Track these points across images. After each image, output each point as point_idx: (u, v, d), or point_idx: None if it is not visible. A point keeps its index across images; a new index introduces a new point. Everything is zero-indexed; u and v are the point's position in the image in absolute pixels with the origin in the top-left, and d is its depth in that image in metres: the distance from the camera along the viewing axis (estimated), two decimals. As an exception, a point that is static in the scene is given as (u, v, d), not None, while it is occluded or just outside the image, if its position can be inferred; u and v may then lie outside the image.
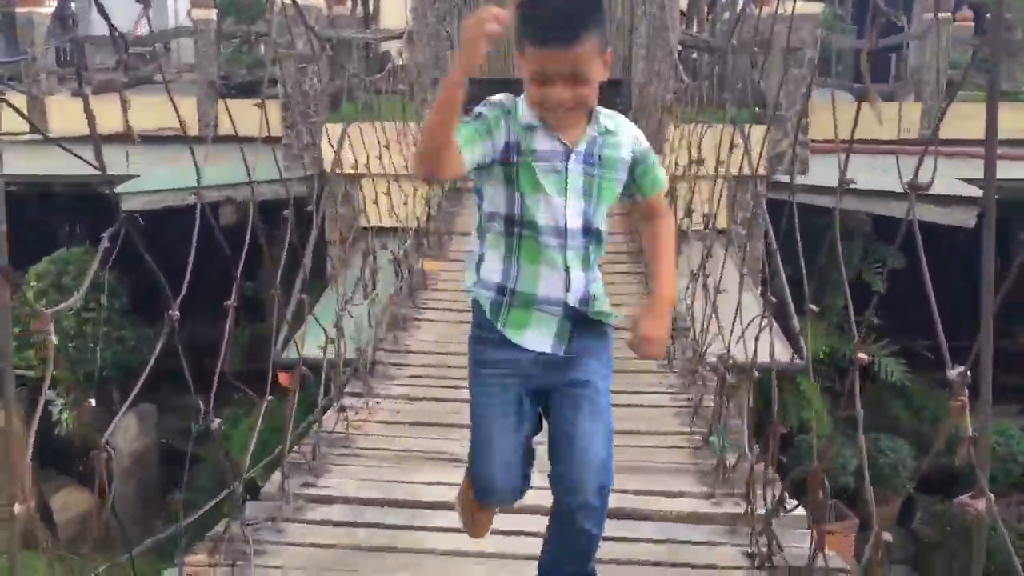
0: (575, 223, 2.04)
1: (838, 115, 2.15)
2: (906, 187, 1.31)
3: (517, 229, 2.05)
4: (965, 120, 4.04)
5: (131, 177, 6.87)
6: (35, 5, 9.05)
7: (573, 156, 2.03)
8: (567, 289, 2.07)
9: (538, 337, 2.10)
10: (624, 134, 2.11)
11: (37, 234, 8.10)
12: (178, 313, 1.86)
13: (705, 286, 3.82)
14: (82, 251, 7.98)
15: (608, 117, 2.10)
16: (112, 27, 0.97)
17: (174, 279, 1.96)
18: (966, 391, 1.22)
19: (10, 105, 0.77)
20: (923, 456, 7.06)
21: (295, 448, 3.10)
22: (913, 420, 7.77)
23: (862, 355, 1.85)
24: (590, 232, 2.07)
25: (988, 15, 10.13)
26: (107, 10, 1.33)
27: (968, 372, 1.22)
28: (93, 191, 6.41)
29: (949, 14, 9.04)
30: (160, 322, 1.89)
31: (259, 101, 2.46)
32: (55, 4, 9.81)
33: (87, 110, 0.95)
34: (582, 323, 2.12)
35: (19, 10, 9.03)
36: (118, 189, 6.52)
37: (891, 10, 1.57)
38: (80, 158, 1.29)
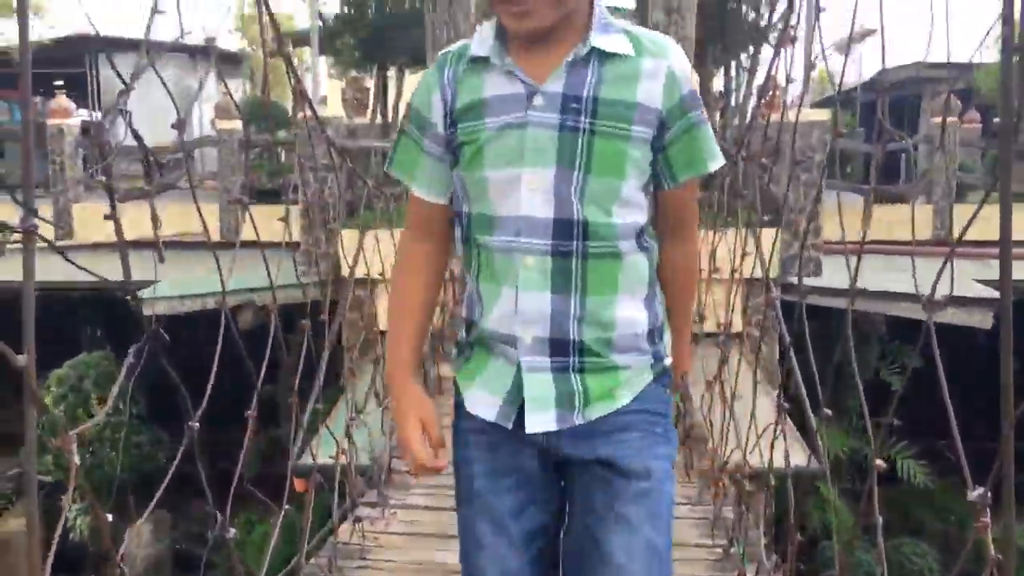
0: (536, 209, 1.29)
1: (850, 217, 2.18)
2: (924, 305, 1.32)
3: (469, 229, 1.39)
4: (981, 221, 4.09)
5: (152, 282, 7.00)
6: (64, 117, 9.38)
7: (539, 99, 1.28)
8: (516, 315, 1.34)
9: (486, 397, 1.41)
10: (648, 59, 1.29)
11: (59, 337, 8.20)
12: (197, 425, 1.88)
13: (722, 392, 3.81)
14: (102, 355, 8.06)
15: (615, 30, 1.30)
16: (145, 149, 1.03)
17: (191, 382, 1.98)
18: (988, 512, 1.21)
19: (43, 239, 0.81)
20: (950, 560, 6.88)
21: (311, 559, 3.07)
22: (938, 522, 7.61)
23: (880, 462, 1.83)
24: (575, 226, 1.29)
25: (996, 118, 10.32)
26: (134, 116, 1.39)
27: (989, 493, 1.21)
28: (114, 296, 6.52)
29: (956, 118, 9.22)
30: (175, 426, 1.91)
31: (279, 208, 2.54)
32: (83, 114, 10.16)
33: (117, 231, 0.99)
34: (599, 373, 1.36)
35: (50, 122, 9.35)
36: (140, 294, 6.63)
37: (896, 130, 1.61)
38: (86, 270, 1.31)
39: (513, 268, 1.32)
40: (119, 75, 1.12)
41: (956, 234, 8.56)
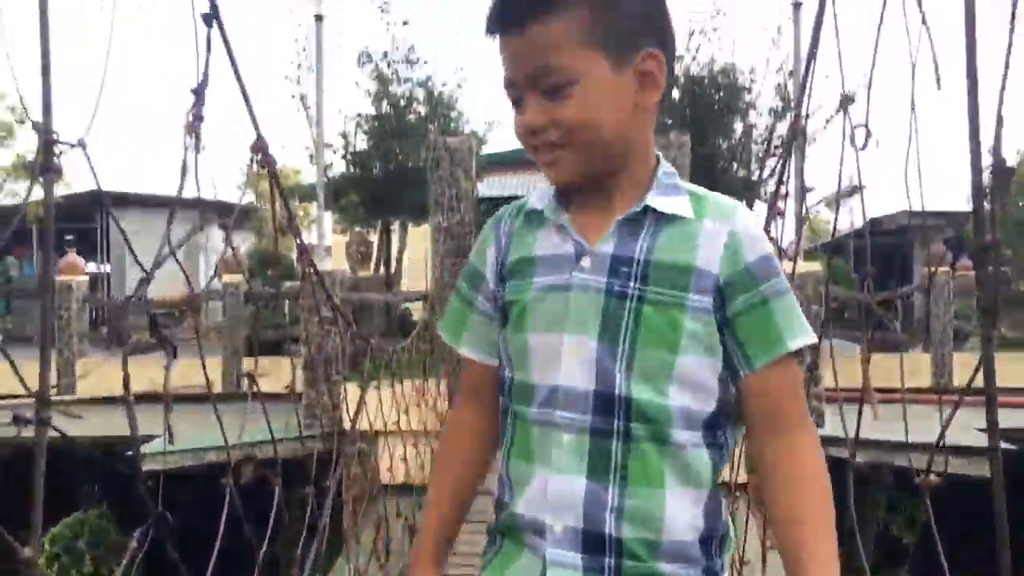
0: (575, 379, 1.15)
1: (848, 365, 2.20)
2: (918, 479, 1.31)
3: (507, 400, 1.25)
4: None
5: (152, 437, 6.95)
6: (74, 274, 9.57)
7: (587, 260, 1.17)
8: (546, 501, 1.17)
9: None
10: (709, 221, 1.16)
11: (56, 492, 8.07)
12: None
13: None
14: (97, 514, 7.91)
15: (678, 191, 1.19)
16: (156, 328, 1.07)
17: (189, 541, 1.95)
18: None
19: (56, 429, 0.83)
20: None
21: None
22: None
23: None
24: (618, 403, 1.13)
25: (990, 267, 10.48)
26: (143, 267, 1.44)
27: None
28: (113, 450, 6.47)
29: (948, 268, 9.39)
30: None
31: (282, 359, 2.57)
32: (91, 267, 10.36)
33: (126, 390, 1.02)
34: None
35: (59, 278, 9.53)
36: (140, 450, 6.58)
37: (885, 315, 1.63)
38: (62, 434, 1.32)
39: (547, 446, 1.16)
40: (132, 252, 1.17)
41: (955, 381, 8.55)
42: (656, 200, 1.16)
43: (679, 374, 1.13)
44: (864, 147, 1.23)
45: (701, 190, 1.20)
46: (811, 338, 1.15)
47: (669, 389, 1.13)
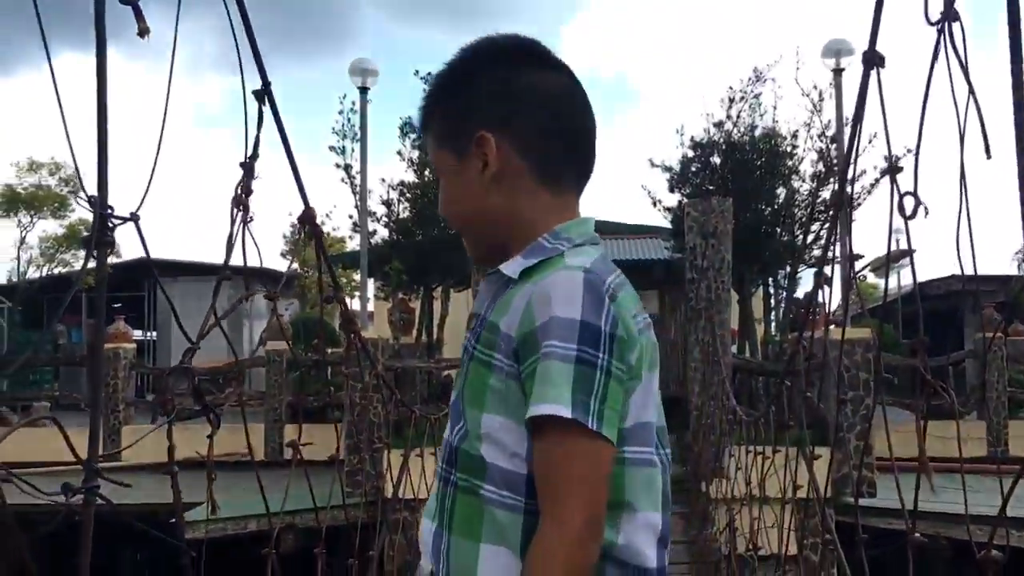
0: (448, 431, 1.23)
1: (901, 434, 2.14)
2: (980, 556, 1.26)
3: None
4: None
5: (194, 504, 6.95)
6: (122, 341, 9.72)
7: (473, 321, 1.26)
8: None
9: None
10: (528, 284, 1.15)
11: (98, 559, 8.09)
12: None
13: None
14: (138, 581, 7.91)
15: (538, 255, 1.19)
16: (201, 397, 1.07)
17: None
18: None
19: (103, 498, 0.83)
20: None
21: None
22: None
23: None
24: (453, 455, 1.19)
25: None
26: (189, 334, 1.45)
27: None
28: (156, 518, 6.46)
29: (1001, 334, 9.18)
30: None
31: (325, 426, 2.57)
32: (138, 335, 10.51)
33: (171, 461, 1.02)
34: None
35: (107, 345, 9.69)
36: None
37: (940, 385, 1.56)
38: (110, 504, 1.31)
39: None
40: (180, 325, 1.18)
41: (1011, 450, 8.30)
42: (508, 263, 1.21)
43: (485, 431, 1.14)
44: (913, 216, 1.21)
45: (571, 256, 1.18)
46: (556, 409, 1.04)
47: (480, 445, 1.15)
